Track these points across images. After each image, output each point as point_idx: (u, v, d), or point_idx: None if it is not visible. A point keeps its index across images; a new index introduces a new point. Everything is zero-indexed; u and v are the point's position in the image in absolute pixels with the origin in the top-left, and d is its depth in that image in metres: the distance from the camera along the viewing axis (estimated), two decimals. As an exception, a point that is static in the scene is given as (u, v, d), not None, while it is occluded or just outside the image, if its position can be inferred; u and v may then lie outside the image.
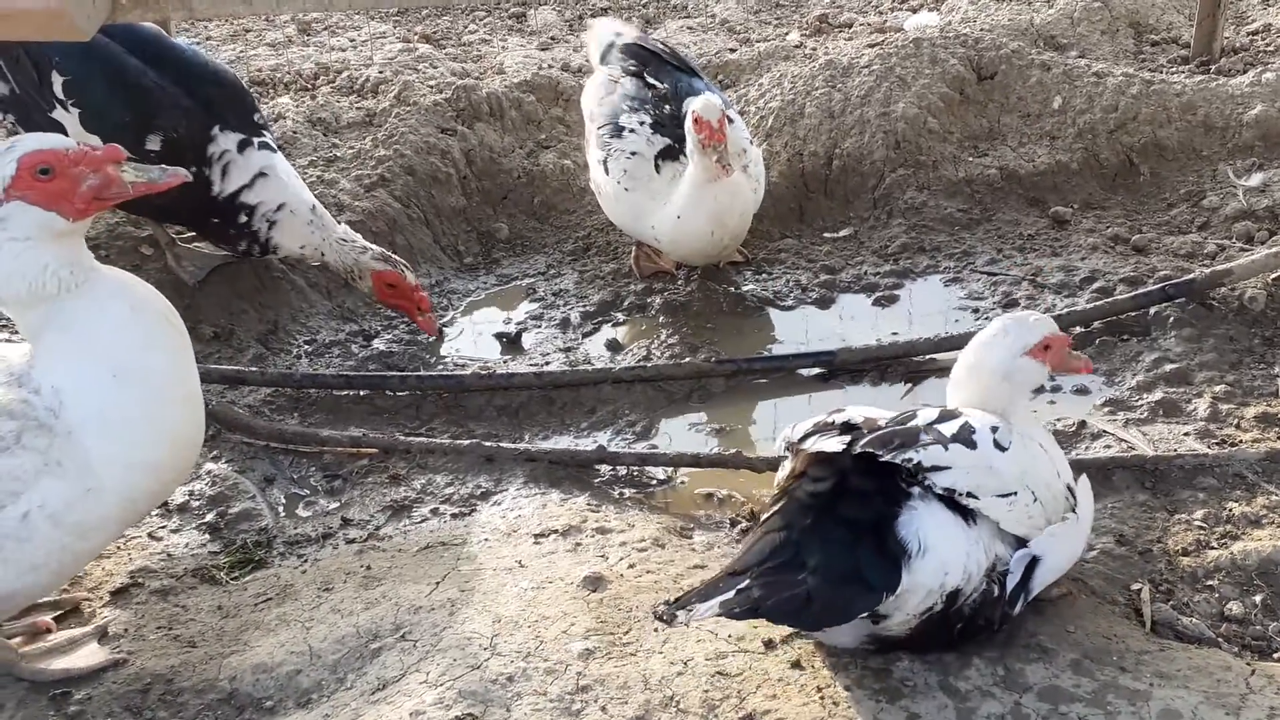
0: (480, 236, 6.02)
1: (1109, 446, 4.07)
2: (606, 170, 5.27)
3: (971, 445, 2.98)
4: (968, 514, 2.97)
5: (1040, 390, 3.42)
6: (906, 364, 4.76)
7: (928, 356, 4.73)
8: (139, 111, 4.66)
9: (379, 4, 4.92)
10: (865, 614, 2.87)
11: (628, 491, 4.14)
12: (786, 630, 3.09)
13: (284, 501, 4.17)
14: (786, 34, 7.70)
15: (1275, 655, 3.20)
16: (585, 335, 5.19)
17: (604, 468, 4.22)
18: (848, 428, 3.08)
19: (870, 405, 3.28)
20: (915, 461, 2.92)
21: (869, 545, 2.88)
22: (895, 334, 5.01)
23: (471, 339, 5.27)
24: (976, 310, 5.15)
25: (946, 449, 2.95)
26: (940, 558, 2.89)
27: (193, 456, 3.25)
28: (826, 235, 5.82)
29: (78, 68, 4.62)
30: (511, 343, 5.17)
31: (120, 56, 4.70)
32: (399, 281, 4.85)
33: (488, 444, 4.29)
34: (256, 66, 7.14)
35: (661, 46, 5.68)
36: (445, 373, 4.85)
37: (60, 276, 2.92)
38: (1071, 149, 6.02)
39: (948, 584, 2.91)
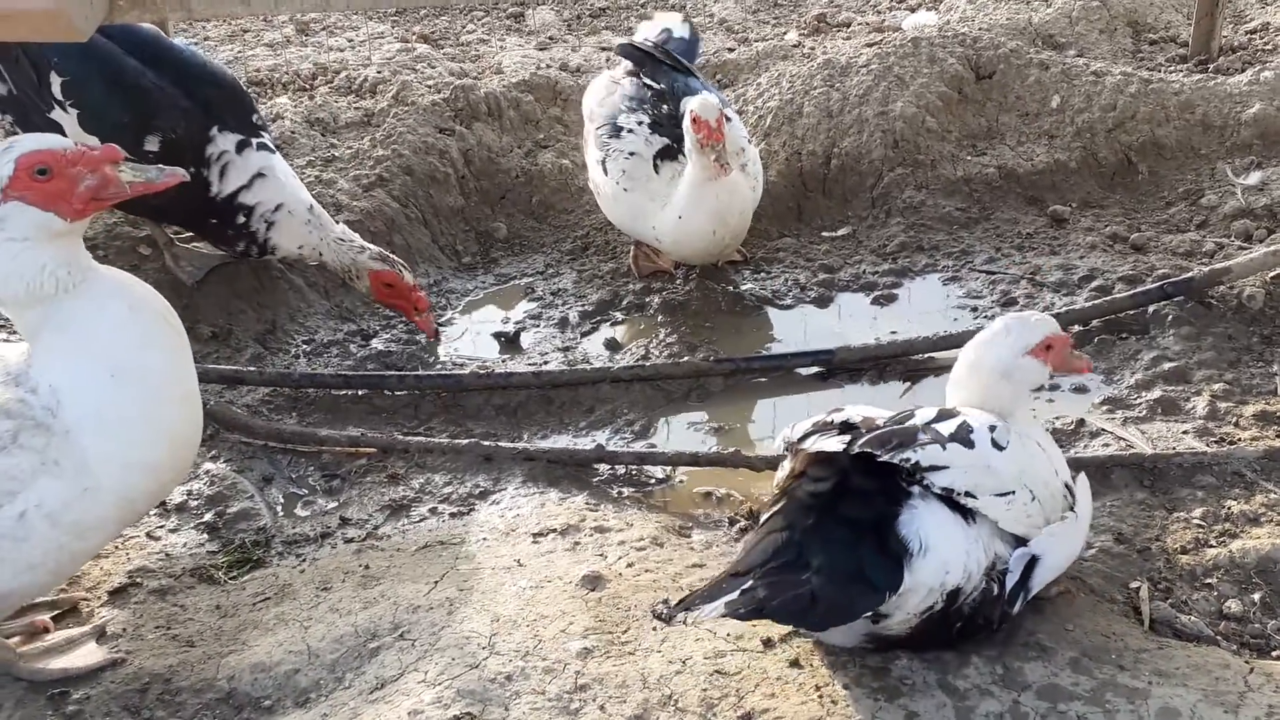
0: (478, 236, 6.02)
1: (1108, 445, 4.07)
2: (605, 170, 5.27)
3: (969, 444, 2.98)
4: (967, 513, 2.97)
5: (1039, 389, 3.41)
6: (905, 363, 4.76)
7: (926, 355, 4.74)
8: (137, 112, 4.65)
9: (377, 4, 4.92)
10: (868, 613, 2.87)
11: (626, 490, 4.14)
12: (785, 629, 3.09)
13: (282, 501, 4.17)
14: (785, 33, 7.70)
15: (1274, 653, 3.20)
16: (584, 334, 5.19)
17: (602, 467, 4.22)
18: (846, 427, 3.08)
19: (869, 404, 3.28)
20: (913, 461, 2.91)
21: (871, 545, 2.88)
22: (894, 333, 5.01)
23: (470, 338, 5.27)
24: (975, 309, 5.15)
25: (944, 448, 2.95)
26: (941, 557, 2.89)
27: (190, 456, 3.25)
28: (825, 234, 5.82)
29: (76, 68, 4.61)
30: (510, 342, 5.17)
31: (119, 57, 4.70)
32: (396, 281, 4.85)
33: (486, 443, 4.29)
34: (254, 67, 7.14)
35: (658, 47, 5.68)
36: (443, 372, 4.85)
37: (58, 276, 2.91)
38: (1070, 148, 6.02)
39: (948, 583, 2.91)
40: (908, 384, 4.71)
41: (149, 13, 4.11)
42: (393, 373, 4.82)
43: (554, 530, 3.70)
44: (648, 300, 5.33)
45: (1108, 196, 5.87)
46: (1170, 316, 4.70)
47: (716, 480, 4.16)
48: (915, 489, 2.96)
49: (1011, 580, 3.01)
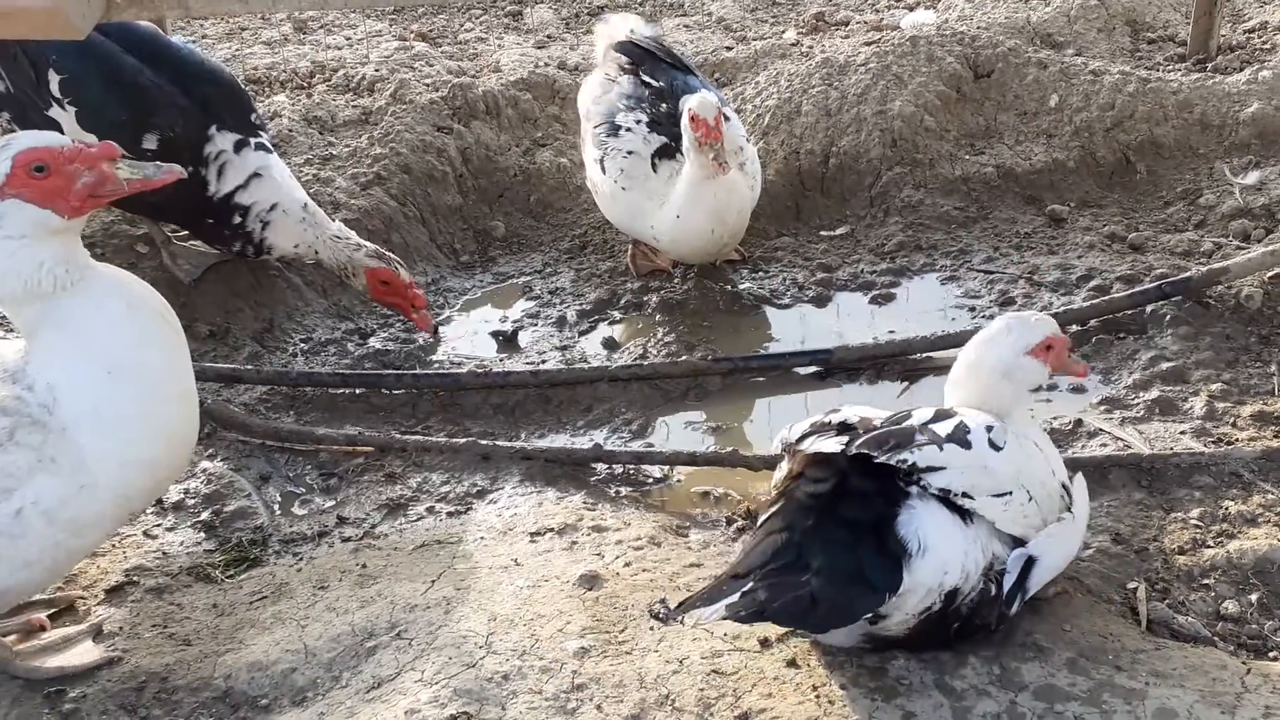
0: (476, 235, 6.02)
1: (1105, 445, 4.07)
2: (603, 169, 5.26)
3: (966, 445, 2.98)
4: (965, 513, 2.97)
5: (1037, 389, 3.41)
6: (903, 362, 4.76)
7: (924, 355, 4.73)
8: (136, 110, 4.65)
9: (375, 2, 4.92)
10: (868, 615, 2.87)
11: (624, 490, 4.14)
12: (783, 629, 3.09)
13: (279, 500, 4.16)
14: (783, 32, 7.70)
15: (1271, 654, 3.20)
16: (582, 333, 5.19)
17: (600, 466, 4.22)
18: (844, 428, 3.08)
19: (867, 404, 3.28)
20: (910, 462, 2.91)
21: (870, 545, 2.88)
22: (892, 332, 5.00)
23: (468, 337, 5.26)
24: (973, 309, 5.14)
25: (941, 449, 2.95)
26: (939, 557, 2.89)
27: (187, 454, 3.25)
28: (823, 233, 5.82)
29: (74, 66, 4.60)
30: (508, 341, 5.16)
31: (117, 55, 4.69)
32: (393, 279, 4.84)
33: (484, 442, 4.28)
34: (252, 65, 7.13)
35: (656, 45, 5.67)
36: (441, 371, 4.85)
37: (55, 274, 2.91)
38: (1068, 147, 6.02)
39: (946, 583, 2.91)
40: (906, 384, 4.70)
41: (146, 10, 4.10)
42: (390, 371, 4.82)
43: (551, 529, 3.70)
44: (646, 299, 5.33)
45: (1106, 196, 5.87)
46: (1168, 316, 4.70)
47: (714, 480, 4.16)
48: (913, 489, 2.96)
49: (1009, 581, 3.01)
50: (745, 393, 4.72)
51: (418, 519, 3.96)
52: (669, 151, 5.14)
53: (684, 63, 5.60)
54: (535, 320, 5.29)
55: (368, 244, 4.93)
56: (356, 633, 3.25)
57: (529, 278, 5.65)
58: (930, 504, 2.94)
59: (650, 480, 4.19)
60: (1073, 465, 3.54)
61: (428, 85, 6.60)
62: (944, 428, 3.01)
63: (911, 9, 7.84)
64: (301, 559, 3.78)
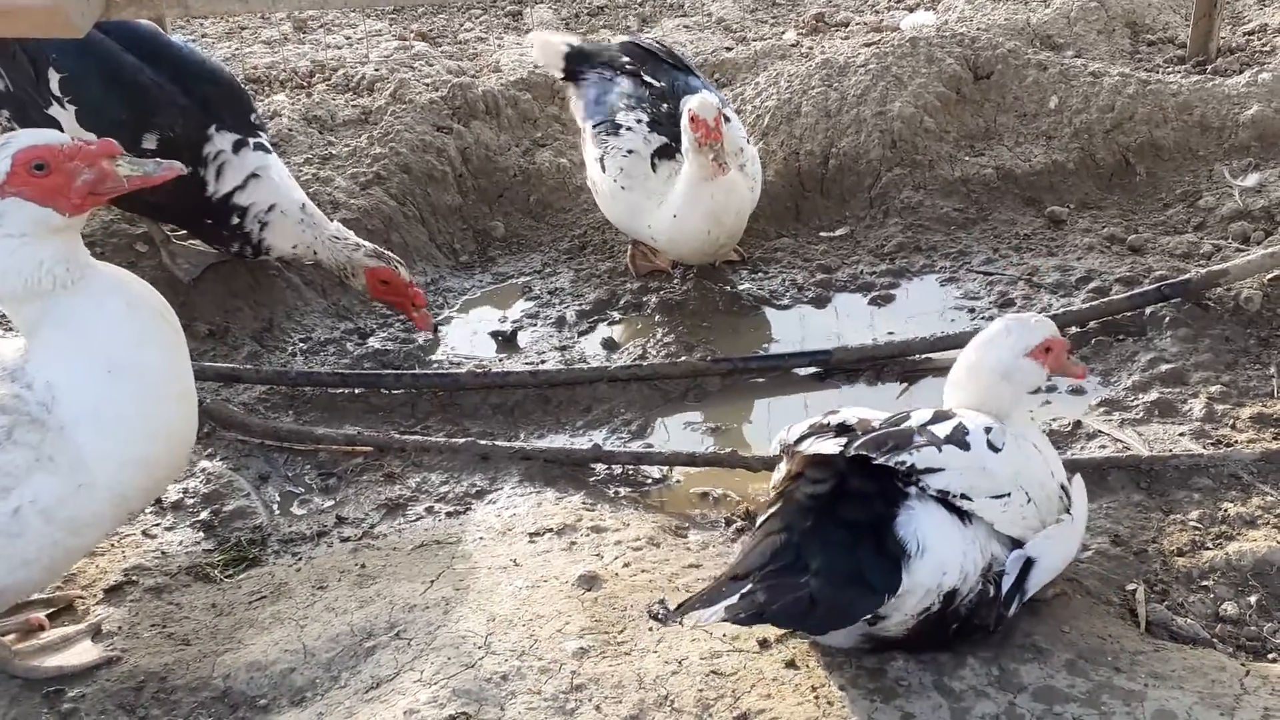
0: (476, 235, 6.02)
1: (1104, 447, 4.07)
2: (603, 168, 5.26)
3: (965, 447, 2.98)
4: (964, 514, 2.97)
5: (1036, 391, 3.42)
6: (902, 363, 4.76)
7: (924, 356, 4.73)
8: (136, 109, 4.64)
9: (374, 2, 4.92)
10: (867, 616, 2.87)
11: (623, 490, 4.14)
12: (782, 630, 3.09)
13: (278, 499, 4.16)
14: (783, 33, 7.70)
15: (1270, 656, 3.20)
16: (581, 334, 5.18)
17: (599, 466, 4.22)
18: (842, 429, 3.08)
19: (866, 405, 3.29)
20: (908, 464, 2.91)
21: (869, 546, 2.88)
22: (891, 333, 5.01)
23: (467, 337, 5.26)
24: (972, 310, 5.14)
25: (940, 450, 2.95)
26: (938, 557, 2.89)
27: (186, 453, 3.25)
28: (823, 234, 5.82)
29: (74, 64, 4.60)
30: (507, 341, 5.16)
31: (117, 54, 4.69)
32: (392, 278, 4.84)
33: (483, 442, 4.28)
34: (252, 64, 7.12)
35: (659, 46, 5.68)
36: (440, 371, 4.85)
37: (56, 273, 2.91)
38: (1068, 149, 6.02)
39: (945, 584, 2.91)
40: (905, 385, 4.70)
41: (146, 9, 4.10)
42: (389, 371, 4.82)
43: (550, 530, 3.69)
44: (645, 300, 5.33)
45: (1105, 198, 5.87)
46: (1167, 318, 4.70)
47: (713, 480, 4.16)
48: (912, 490, 2.96)
49: (1007, 582, 3.01)
50: (744, 393, 4.72)
51: (417, 519, 3.96)
52: (669, 151, 5.14)
53: (684, 63, 5.61)
54: (534, 320, 5.29)
55: (366, 244, 4.93)
56: (355, 633, 3.25)
57: (528, 278, 5.65)
58: (929, 505, 2.94)
59: (649, 481, 4.19)
60: (1072, 467, 3.54)
61: (427, 85, 6.60)
62: (943, 429, 3.02)
63: (911, 10, 7.84)
64: (300, 559, 3.78)
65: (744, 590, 2.79)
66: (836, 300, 5.33)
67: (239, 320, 5.06)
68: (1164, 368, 4.46)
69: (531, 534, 3.69)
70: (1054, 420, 4.27)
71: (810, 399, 4.67)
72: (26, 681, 3.17)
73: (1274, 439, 4.02)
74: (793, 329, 5.16)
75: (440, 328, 5.24)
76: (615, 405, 4.62)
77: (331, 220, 4.99)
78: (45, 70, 4.60)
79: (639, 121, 5.23)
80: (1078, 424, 4.22)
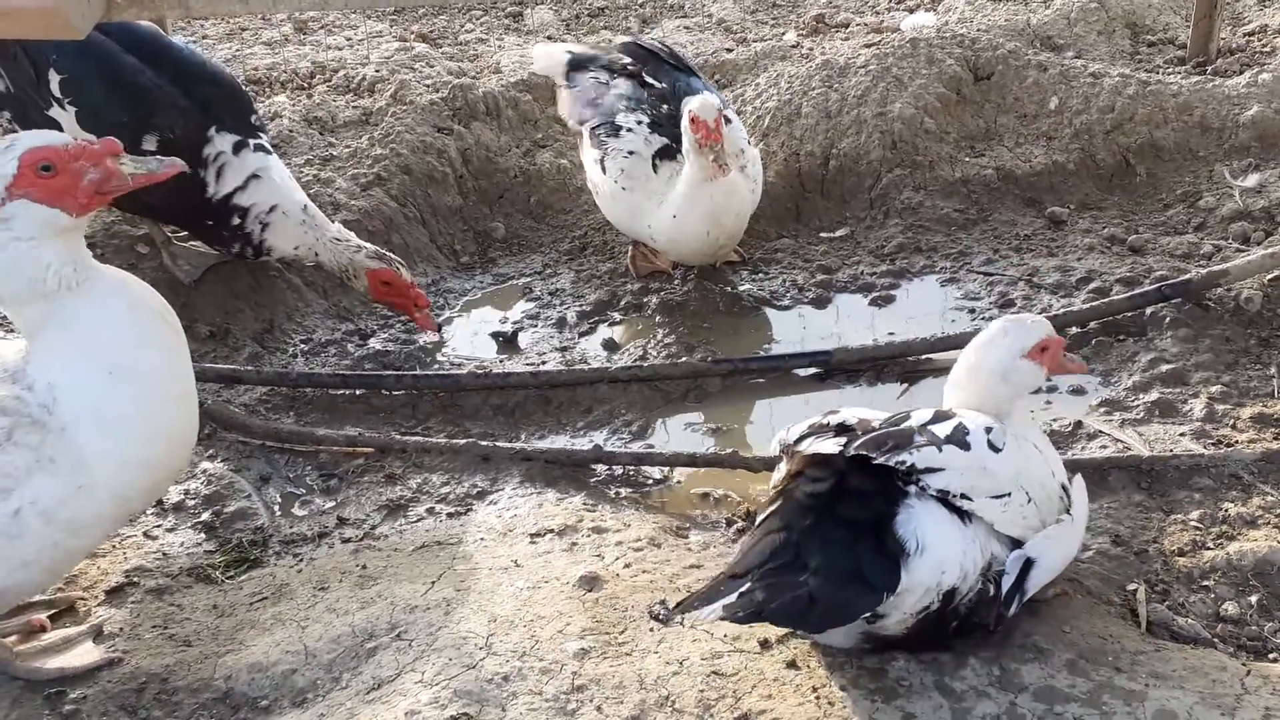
0: (476, 236, 6.02)
1: (1105, 447, 4.07)
2: (604, 169, 5.26)
3: (965, 446, 2.99)
4: (964, 513, 2.97)
5: (1037, 391, 3.42)
6: (903, 364, 4.76)
7: (924, 356, 4.74)
8: (136, 111, 4.65)
9: (375, 3, 4.91)
10: (866, 614, 2.87)
11: (624, 491, 4.14)
12: (782, 630, 3.09)
13: (280, 500, 4.17)
14: (783, 34, 7.70)
15: (1271, 655, 3.20)
16: (582, 335, 5.19)
17: (600, 467, 4.22)
18: (842, 429, 3.08)
19: (866, 405, 3.29)
20: (908, 464, 2.92)
21: (868, 545, 2.88)
22: (891, 334, 5.01)
23: (468, 338, 5.26)
24: (973, 310, 5.15)
25: (940, 450, 2.95)
26: (938, 556, 2.90)
27: (186, 455, 3.25)
28: (823, 235, 5.82)
29: (75, 66, 4.60)
30: (508, 342, 5.17)
31: (117, 55, 4.69)
32: (394, 279, 4.84)
33: (484, 443, 4.28)
34: (253, 65, 7.13)
35: (660, 46, 5.68)
36: (441, 372, 4.85)
37: (62, 274, 2.92)
38: (1068, 149, 6.02)
39: (944, 583, 2.91)
40: (905, 385, 4.70)
41: (147, 10, 4.10)
42: (390, 372, 4.82)
43: (551, 531, 3.70)
44: (646, 300, 5.33)
45: (1106, 198, 5.87)
46: (1168, 319, 4.70)
47: (714, 481, 4.16)
48: (912, 489, 2.96)
49: (1007, 582, 3.01)
50: (745, 394, 4.72)
51: (418, 520, 3.96)
52: (670, 152, 5.15)
53: (686, 64, 5.61)
54: (535, 321, 5.29)
55: (368, 245, 4.93)
56: (356, 634, 3.25)
57: (529, 279, 5.65)
58: (929, 504, 2.94)
59: (650, 481, 4.20)
60: (1072, 467, 3.54)
61: (428, 86, 6.60)
62: (943, 429, 3.02)
63: (911, 11, 7.85)
64: (301, 560, 3.78)
65: (742, 589, 2.79)
66: (837, 301, 5.33)
67: (240, 321, 5.06)
68: (1164, 368, 4.46)
69: (532, 535, 3.69)
70: (1055, 420, 4.27)
71: (811, 399, 4.67)
72: (28, 683, 3.17)
73: (1274, 439, 4.02)
74: (793, 330, 5.16)
75: (441, 328, 5.24)
76: (616, 406, 4.62)
77: (333, 221, 4.99)
78: (46, 71, 4.61)
79: (639, 123, 5.23)
80: (1078, 424, 4.22)
